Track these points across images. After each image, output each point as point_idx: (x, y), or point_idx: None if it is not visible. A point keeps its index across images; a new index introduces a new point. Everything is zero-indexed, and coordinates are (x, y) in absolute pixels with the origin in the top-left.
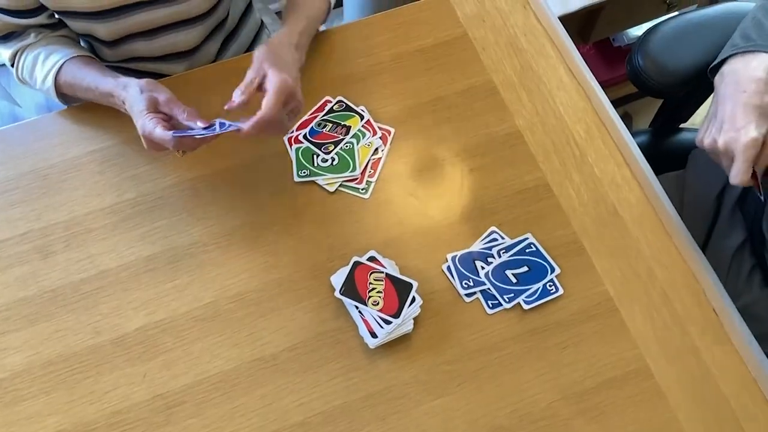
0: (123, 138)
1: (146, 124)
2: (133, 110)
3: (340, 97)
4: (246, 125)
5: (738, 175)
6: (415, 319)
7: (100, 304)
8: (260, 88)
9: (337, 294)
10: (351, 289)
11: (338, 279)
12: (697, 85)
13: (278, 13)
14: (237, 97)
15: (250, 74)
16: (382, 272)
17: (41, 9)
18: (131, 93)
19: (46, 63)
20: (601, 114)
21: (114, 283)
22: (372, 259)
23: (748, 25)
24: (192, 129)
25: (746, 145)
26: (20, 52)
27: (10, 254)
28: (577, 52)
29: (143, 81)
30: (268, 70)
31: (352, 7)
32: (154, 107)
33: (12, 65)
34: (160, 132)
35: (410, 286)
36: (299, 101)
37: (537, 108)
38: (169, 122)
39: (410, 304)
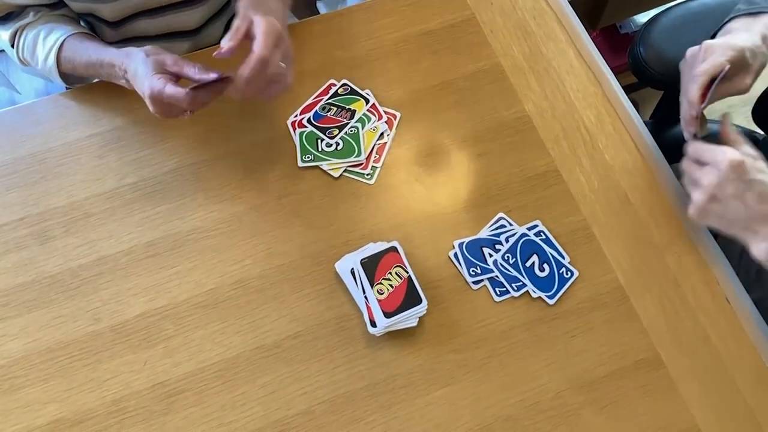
0: (123, 121)
1: (155, 83)
2: (138, 74)
3: (344, 81)
4: (243, 69)
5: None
6: None
7: (100, 290)
8: (248, 36)
9: (357, 263)
10: (371, 267)
11: (343, 265)
12: None
13: None
14: (225, 43)
15: (236, 22)
16: (407, 273)
17: None
18: (135, 59)
19: (47, 41)
20: (611, 99)
21: (114, 269)
22: (394, 249)
23: None
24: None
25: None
26: (20, 32)
27: (7, 239)
28: (588, 36)
29: (148, 47)
30: (253, 17)
31: None
32: (161, 69)
33: (12, 46)
34: (171, 88)
35: (419, 301)
36: (288, 46)
37: (546, 92)
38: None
39: (405, 314)
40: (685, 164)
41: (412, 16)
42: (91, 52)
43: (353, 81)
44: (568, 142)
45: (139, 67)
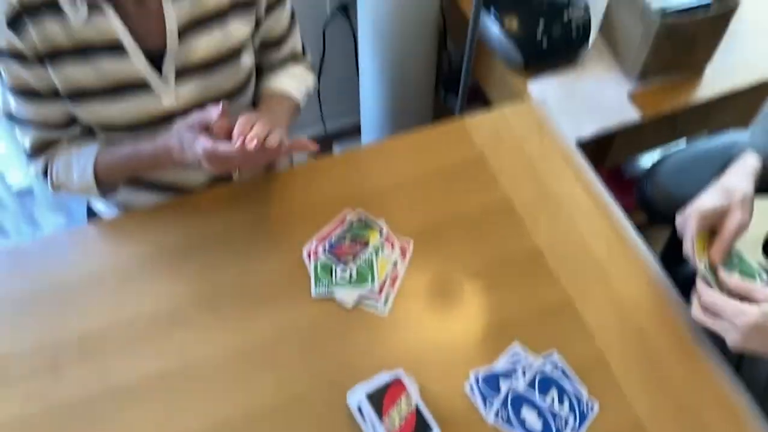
0: (142, 252)
1: (206, 144)
2: (186, 141)
3: (359, 210)
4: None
5: (686, 243)
6: None
7: (115, 421)
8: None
9: (362, 398)
10: (378, 399)
11: (355, 396)
12: None
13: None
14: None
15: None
16: (414, 402)
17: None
18: (178, 134)
19: (81, 157)
20: (621, 233)
21: (127, 402)
22: (398, 379)
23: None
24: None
25: (693, 210)
26: (52, 157)
27: (21, 368)
28: (594, 173)
29: (179, 123)
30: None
31: (369, 134)
32: (200, 128)
33: (45, 173)
34: (224, 146)
35: (430, 429)
36: (264, 125)
37: (556, 226)
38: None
39: None
40: (700, 315)
41: (424, 154)
42: (128, 150)
43: (368, 210)
44: (580, 275)
45: (184, 136)
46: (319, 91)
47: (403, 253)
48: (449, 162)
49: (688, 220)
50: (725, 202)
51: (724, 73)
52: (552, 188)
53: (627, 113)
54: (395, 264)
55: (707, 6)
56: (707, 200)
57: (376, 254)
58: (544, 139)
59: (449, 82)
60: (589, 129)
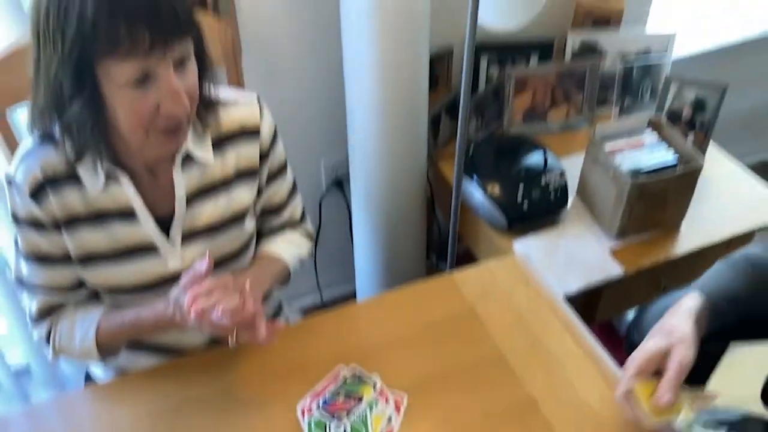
0: (137, 414)
1: (195, 320)
2: (183, 309)
3: (353, 365)
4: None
5: (618, 389)
6: None
7: None
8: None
9: None
10: None
11: None
12: None
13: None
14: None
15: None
16: None
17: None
18: (174, 300)
19: (84, 321)
20: (613, 383)
21: None
22: None
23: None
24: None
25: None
26: (56, 322)
27: None
28: (583, 323)
29: (174, 290)
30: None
31: (363, 293)
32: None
33: (47, 338)
34: (208, 322)
35: None
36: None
37: (549, 376)
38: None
39: None
40: None
41: (415, 309)
42: (130, 316)
43: (361, 365)
44: (575, 425)
45: (181, 302)
46: (315, 261)
47: (398, 407)
48: (440, 315)
49: (627, 366)
50: (665, 342)
51: (699, 228)
52: (542, 339)
53: (610, 269)
54: (390, 419)
55: (674, 167)
56: (648, 344)
57: (371, 409)
58: (530, 292)
59: (439, 248)
60: (575, 285)
